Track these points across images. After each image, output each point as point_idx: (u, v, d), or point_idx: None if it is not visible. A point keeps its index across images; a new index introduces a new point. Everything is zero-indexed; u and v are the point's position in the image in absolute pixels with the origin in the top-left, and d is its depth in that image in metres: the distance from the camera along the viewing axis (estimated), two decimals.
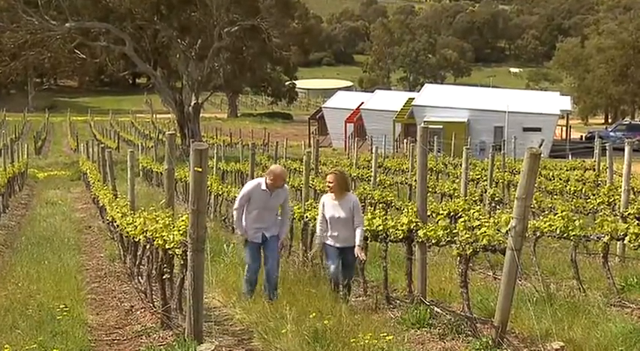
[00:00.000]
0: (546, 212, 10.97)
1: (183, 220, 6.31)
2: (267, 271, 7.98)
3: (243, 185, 19.67)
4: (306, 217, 10.10)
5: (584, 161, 23.24)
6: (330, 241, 7.92)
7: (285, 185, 8.24)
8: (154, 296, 7.73)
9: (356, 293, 8.42)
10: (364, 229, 7.87)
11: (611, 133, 44.79)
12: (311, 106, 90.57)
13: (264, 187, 7.96)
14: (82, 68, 46.20)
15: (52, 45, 37.85)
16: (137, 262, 9.06)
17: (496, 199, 13.19)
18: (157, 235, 6.85)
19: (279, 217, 8.30)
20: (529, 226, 7.88)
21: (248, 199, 8.02)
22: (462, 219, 6.57)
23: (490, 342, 5.74)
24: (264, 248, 8.07)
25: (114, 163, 13.91)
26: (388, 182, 18.76)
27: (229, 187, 16.09)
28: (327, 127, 56.45)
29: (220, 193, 15.80)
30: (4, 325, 6.96)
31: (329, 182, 7.90)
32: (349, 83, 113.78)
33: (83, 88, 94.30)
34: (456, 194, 13.58)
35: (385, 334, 6.00)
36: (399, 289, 8.41)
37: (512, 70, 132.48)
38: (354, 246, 7.80)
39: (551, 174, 19.31)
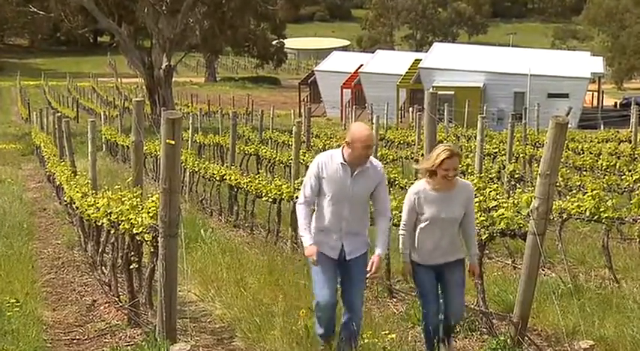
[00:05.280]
0: (574, 191, 10.99)
1: (153, 201, 6.30)
2: (345, 316, 5.73)
3: (222, 161, 19.82)
4: (296, 197, 10.09)
5: (618, 132, 23.25)
6: (418, 258, 5.77)
7: (377, 163, 5.81)
8: (119, 289, 7.73)
9: None
10: None
11: None
12: (302, 70, 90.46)
13: (340, 159, 5.63)
14: (33, 24, 45.98)
15: None
16: (100, 250, 9.06)
17: (516, 176, 13.21)
18: (123, 218, 6.84)
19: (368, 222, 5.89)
20: (554, 207, 7.90)
21: (318, 183, 5.68)
22: (476, 199, 6.58)
23: (509, 340, 5.77)
24: (342, 272, 5.74)
25: (72, 134, 13.86)
26: (391, 157, 18.74)
27: (207, 162, 16.05)
28: (321, 94, 56.40)
29: (196, 169, 15.77)
30: None
31: (450, 169, 5.55)
32: (346, 42, 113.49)
33: (35, 48, 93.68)
34: (469, 171, 13.58)
35: (387, 331, 6.03)
36: (404, 280, 8.41)
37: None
38: (457, 260, 5.80)
39: (579, 147, 19.33)
